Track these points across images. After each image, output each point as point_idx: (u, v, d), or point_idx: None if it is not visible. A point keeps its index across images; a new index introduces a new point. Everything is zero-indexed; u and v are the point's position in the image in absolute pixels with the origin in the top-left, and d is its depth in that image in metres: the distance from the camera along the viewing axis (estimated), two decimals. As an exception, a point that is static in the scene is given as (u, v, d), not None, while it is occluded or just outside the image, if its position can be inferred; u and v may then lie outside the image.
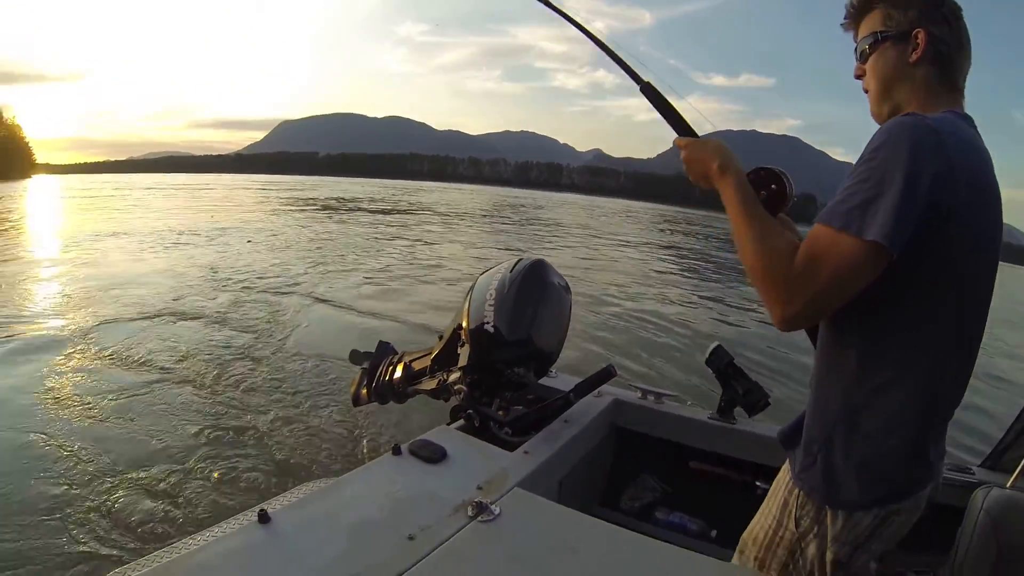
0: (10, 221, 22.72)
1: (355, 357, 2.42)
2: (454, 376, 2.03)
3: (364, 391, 2.34)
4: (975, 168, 1.08)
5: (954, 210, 1.02)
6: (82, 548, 3.15)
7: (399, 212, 34.21)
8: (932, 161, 1.00)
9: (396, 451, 1.61)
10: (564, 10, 1.70)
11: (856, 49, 1.32)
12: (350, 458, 4.23)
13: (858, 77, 1.32)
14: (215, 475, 3.96)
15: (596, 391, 2.30)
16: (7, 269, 11.13)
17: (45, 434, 4.38)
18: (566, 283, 2.20)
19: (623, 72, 1.53)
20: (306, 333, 7.47)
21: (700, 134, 1.38)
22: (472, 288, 2.09)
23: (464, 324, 2.00)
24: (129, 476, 3.89)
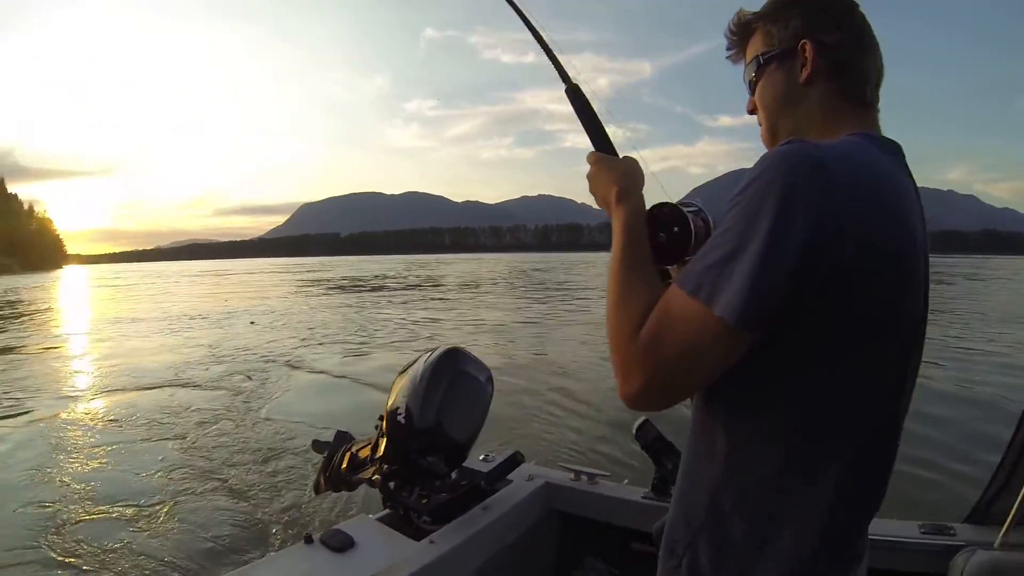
0: (43, 309, 25.48)
1: (317, 447, 2.37)
2: (377, 466, 2.01)
3: (322, 480, 2.27)
4: (879, 207, 0.81)
5: (841, 270, 0.76)
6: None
7: (409, 288, 34.90)
8: (810, 206, 0.75)
9: (308, 540, 1.65)
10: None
11: (745, 80, 1.13)
12: (287, 540, 4.28)
13: (751, 112, 1.13)
14: (149, 548, 4.31)
15: (527, 475, 2.27)
16: (40, 352, 13.34)
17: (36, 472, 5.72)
18: (487, 371, 2.11)
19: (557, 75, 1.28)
20: (285, 406, 8.12)
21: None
22: (395, 379, 2.06)
23: (384, 415, 1.98)
24: (71, 546, 4.35)
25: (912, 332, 0.89)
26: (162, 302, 27.72)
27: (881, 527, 1.72)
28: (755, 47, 1.08)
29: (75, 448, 6.50)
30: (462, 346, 2.06)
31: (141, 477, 5.65)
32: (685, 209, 1.07)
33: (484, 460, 2.31)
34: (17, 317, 22.29)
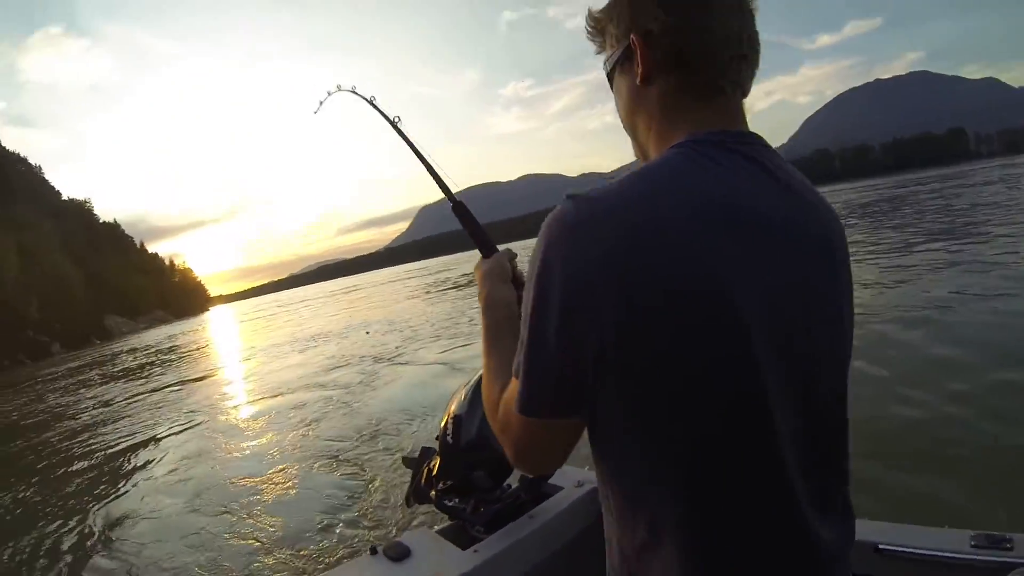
0: (196, 349, 30.79)
1: (406, 463, 2.46)
2: (436, 480, 2.10)
3: (411, 495, 2.34)
4: (661, 252, 0.70)
5: (609, 338, 0.70)
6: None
7: None
8: (564, 277, 0.72)
9: (372, 551, 1.85)
10: (393, 121, 1.59)
11: None
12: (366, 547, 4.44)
13: None
14: (249, 541, 5.38)
15: (576, 481, 2.25)
16: (199, 380, 17.42)
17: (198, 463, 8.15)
18: None
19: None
20: (387, 408, 9.21)
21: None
22: (447, 401, 2.14)
23: (438, 433, 2.08)
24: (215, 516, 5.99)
25: (754, 385, 0.73)
26: (294, 327, 31.64)
27: (927, 538, 1.59)
28: (608, 51, 0.94)
29: (219, 447, 9.11)
30: None
31: (260, 475, 7.35)
32: None
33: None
34: (179, 358, 26.94)
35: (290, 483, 6.83)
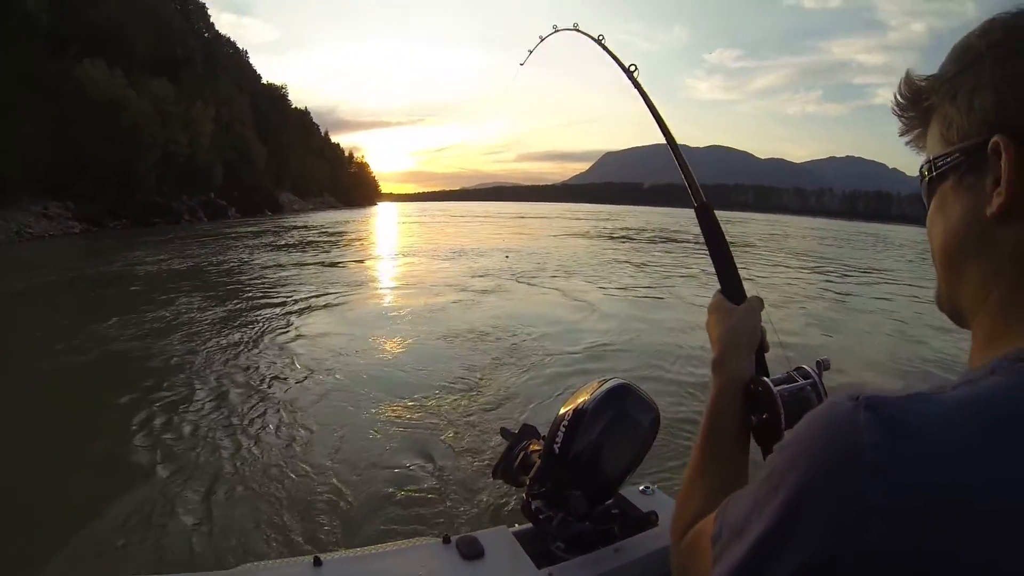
0: (357, 239, 34.55)
1: (504, 433, 2.28)
2: (530, 482, 1.96)
3: (500, 468, 2.18)
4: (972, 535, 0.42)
5: None
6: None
7: (678, 242, 35.46)
8: (823, 524, 0.46)
9: (446, 540, 1.76)
10: (629, 69, 1.52)
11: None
12: (447, 522, 4.28)
13: None
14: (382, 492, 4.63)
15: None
16: (354, 266, 20.29)
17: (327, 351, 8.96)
18: (654, 411, 1.95)
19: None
20: (514, 319, 10.60)
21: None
22: (565, 402, 1.97)
23: (544, 434, 1.98)
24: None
25: None
26: (448, 238, 34.94)
27: None
28: (931, 143, 0.65)
29: (355, 321, 10.76)
30: (631, 383, 1.95)
31: (392, 337, 9.27)
32: (783, 387, 0.95)
33: (643, 492, 2.10)
34: (340, 242, 30.25)
35: (405, 359, 8.17)
